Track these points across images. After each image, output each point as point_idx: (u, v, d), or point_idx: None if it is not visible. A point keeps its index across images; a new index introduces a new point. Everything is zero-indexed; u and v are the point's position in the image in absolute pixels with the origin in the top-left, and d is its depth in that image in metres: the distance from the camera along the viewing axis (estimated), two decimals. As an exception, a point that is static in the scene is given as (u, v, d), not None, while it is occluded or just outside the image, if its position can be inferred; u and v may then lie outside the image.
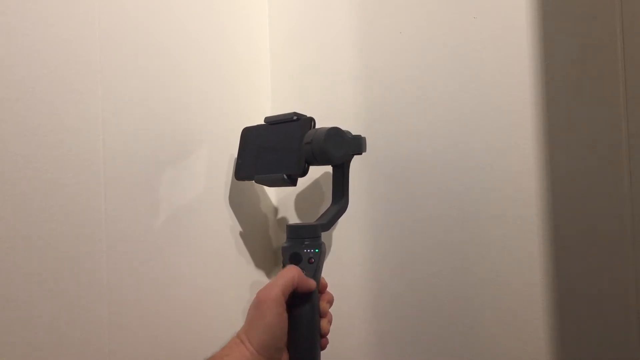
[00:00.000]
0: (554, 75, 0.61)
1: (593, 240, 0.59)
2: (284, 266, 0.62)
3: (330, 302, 0.65)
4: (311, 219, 0.76)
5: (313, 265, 0.61)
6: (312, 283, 0.60)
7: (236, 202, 0.76)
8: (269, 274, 0.81)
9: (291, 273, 0.58)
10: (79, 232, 0.55)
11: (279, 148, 0.68)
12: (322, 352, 0.62)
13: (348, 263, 0.75)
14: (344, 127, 0.65)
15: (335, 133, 0.64)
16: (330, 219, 0.66)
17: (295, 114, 0.69)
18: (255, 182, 0.69)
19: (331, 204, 0.68)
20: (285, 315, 0.56)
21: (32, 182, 0.52)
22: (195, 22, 0.71)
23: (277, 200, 0.83)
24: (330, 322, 0.63)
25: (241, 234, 0.76)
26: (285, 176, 0.65)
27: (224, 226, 0.74)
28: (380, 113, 0.73)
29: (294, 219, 0.81)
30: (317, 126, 0.67)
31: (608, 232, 0.59)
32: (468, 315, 0.66)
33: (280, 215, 0.83)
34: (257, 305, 0.56)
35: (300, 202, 0.81)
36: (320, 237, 0.64)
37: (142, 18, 0.64)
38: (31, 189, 0.52)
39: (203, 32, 0.72)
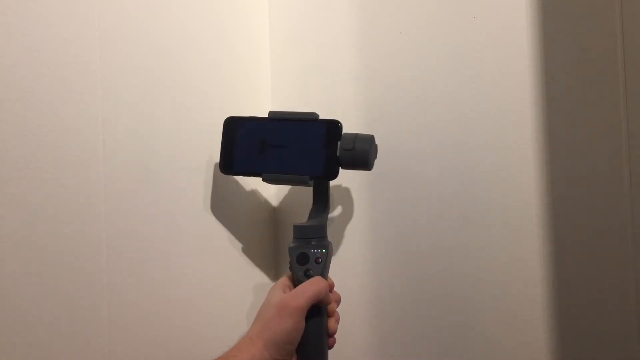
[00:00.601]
0: (554, 75, 0.61)
1: (593, 240, 0.59)
2: (290, 267, 0.62)
3: (338, 301, 0.65)
4: (303, 218, 0.76)
5: (320, 265, 0.61)
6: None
7: (236, 202, 0.76)
8: (268, 273, 0.81)
9: (319, 286, 0.58)
10: (79, 232, 0.55)
11: (295, 147, 0.66)
12: None
13: (348, 263, 0.75)
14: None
15: (373, 141, 0.65)
16: (325, 219, 0.65)
17: (315, 114, 0.67)
18: (263, 180, 0.68)
19: (318, 203, 0.67)
20: (304, 323, 0.57)
21: (32, 182, 0.52)
22: (195, 22, 0.71)
23: (275, 198, 0.83)
24: (337, 321, 0.63)
25: (241, 233, 0.76)
26: (310, 178, 0.65)
27: (224, 226, 0.74)
28: (381, 113, 0.73)
29: (292, 217, 0.81)
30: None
31: (608, 232, 0.59)
32: (468, 315, 0.66)
33: (278, 213, 0.83)
34: (280, 310, 0.56)
35: (297, 199, 0.80)
36: (326, 236, 0.64)
37: (142, 18, 0.64)
38: (31, 189, 0.52)
39: (203, 32, 0.72)
